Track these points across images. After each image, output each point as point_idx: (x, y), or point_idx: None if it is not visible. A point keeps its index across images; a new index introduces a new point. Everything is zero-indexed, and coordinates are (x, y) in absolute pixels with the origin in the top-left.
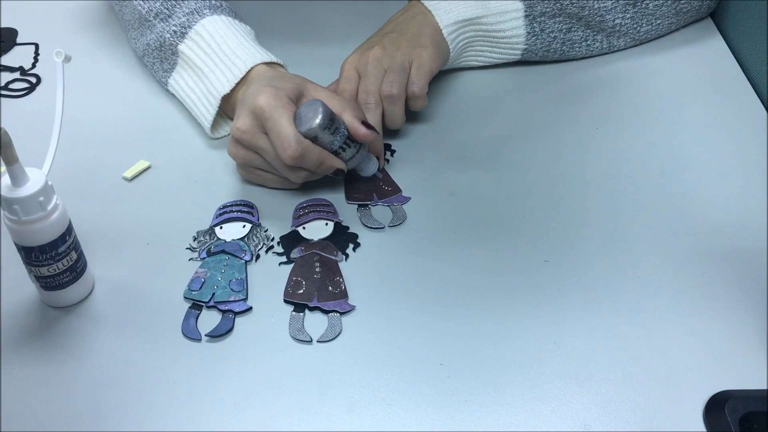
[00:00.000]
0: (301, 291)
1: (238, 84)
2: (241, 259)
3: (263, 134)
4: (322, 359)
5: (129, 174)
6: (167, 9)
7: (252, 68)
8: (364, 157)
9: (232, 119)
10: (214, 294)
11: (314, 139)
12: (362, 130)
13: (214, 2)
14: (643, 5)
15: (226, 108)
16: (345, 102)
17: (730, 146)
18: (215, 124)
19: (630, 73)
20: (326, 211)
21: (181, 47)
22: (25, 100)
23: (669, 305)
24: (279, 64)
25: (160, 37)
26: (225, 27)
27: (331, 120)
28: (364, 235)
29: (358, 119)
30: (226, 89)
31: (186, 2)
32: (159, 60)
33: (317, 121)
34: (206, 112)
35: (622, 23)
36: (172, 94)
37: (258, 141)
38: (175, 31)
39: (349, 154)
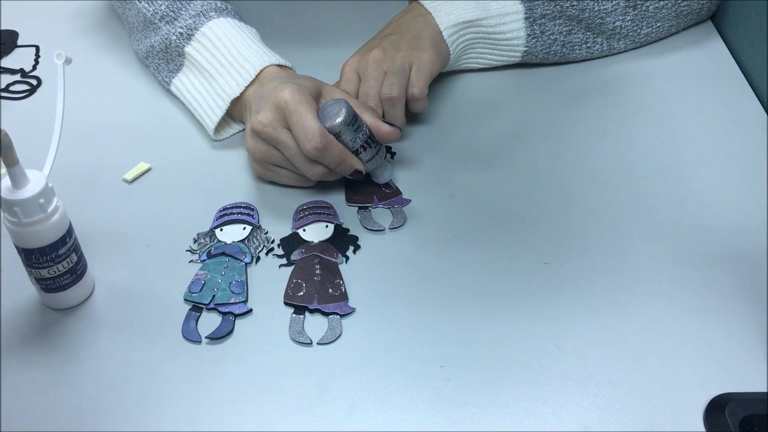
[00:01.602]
0: (302, 293)
1: (248, 86)
2: (241, 261)
3: (285, 128)
4: (322, 361)
5: (129, 176)
6: (173, 11)
7: (262, 70)
8: (381, 162)
9: (235, 121)
10: (214, 296)
11: (337, 136)
12: (385, 128)
13: (219, 5)
14: (644, 8)
15: (233, 110)
16: (363, 103)
17: (730, 148)
18: (218, 126)
19: (630, 76)
20: (326, 213)
21: (188, 49)
22: (25, 102)
23: (669, 307)
24: (288, 67)
25: (166, 39)
26: (232, 29)
27: (355, 118)
28: (365, 238)
29: (378, 119)
30: (236, 92)
31: (191, 5)
32: (165, 61)
33: (341, 117)
34: (212, 114)
35: (623, 26)
36: (173, 96)
37: (279, 135)
38: (181, 33)
39: (368, 155)
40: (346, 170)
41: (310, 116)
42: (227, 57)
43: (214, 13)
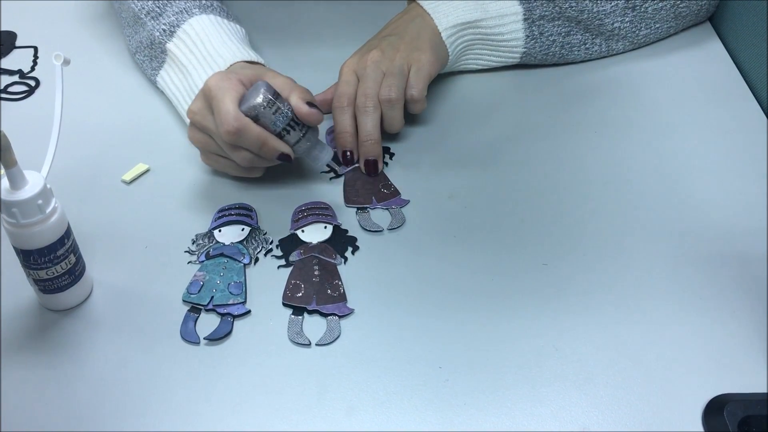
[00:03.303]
0: (300, 294)
1: None
2: (239, 262)
3: (211, 115)
4: (321, 362)
5: (128, 177)
6: (159, 8)
7: (232, 65)
8: (315, 144)
9: None
10: (212, 297)
11: (255, 119)
12: (304, 108)
13: (204, 2)
14: (642, 9)
15: None
16: (294, 85)
17: (729, 150)
18: None
19: (629, 77)
20: (325, 214)
21: (169, 45)
22: (24, 103)
23: (668, 308)
24: (260, 64)
25: (151, 35)
26: (211, 26)
27: (274, 99)
28: (363, 238)
29: (303, 100)
30: None
31: (177, 2)
32: (149, 58)
33: (258, 99)
34: (187, 108)
35: (621, 27)
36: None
37: (206, 122)
38: (164, 30)
39: (294, 137)
40: (270, 153)
41: (227, 99)
42: (203, 53)
43: (197, 10)
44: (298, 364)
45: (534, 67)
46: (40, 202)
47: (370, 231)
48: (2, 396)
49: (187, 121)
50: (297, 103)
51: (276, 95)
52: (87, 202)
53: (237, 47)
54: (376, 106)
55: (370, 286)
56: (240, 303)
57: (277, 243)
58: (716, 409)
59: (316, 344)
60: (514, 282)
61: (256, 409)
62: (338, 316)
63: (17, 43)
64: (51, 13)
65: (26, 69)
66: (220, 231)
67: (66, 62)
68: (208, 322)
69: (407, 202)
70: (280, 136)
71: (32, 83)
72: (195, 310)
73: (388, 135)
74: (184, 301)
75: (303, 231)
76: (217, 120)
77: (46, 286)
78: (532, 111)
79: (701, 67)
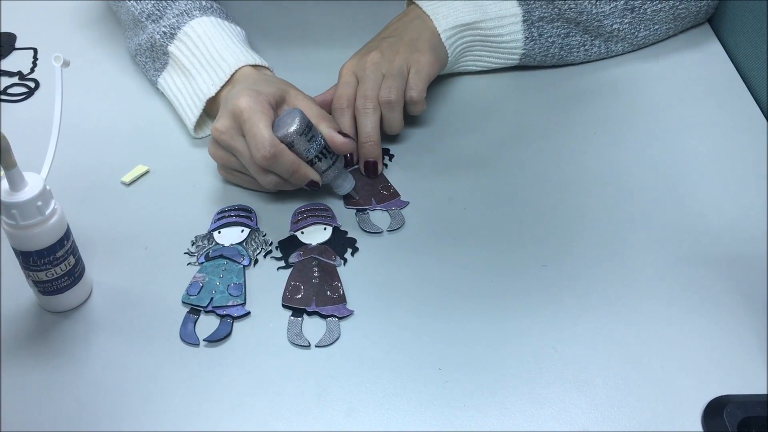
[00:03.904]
0: (300, 296)
1: (223, 86)
2: (239, 263)
3: (240, 136)
4: (321, 364)
5: (127, 178)
6: (158, 10)
7: (237, 70)
8: (340, 173)
9: (213, 119)
10: (212, 299)
11: (290, 146)
12: (339, 139)
13: (204, 3)
14: (641, 10)
15: (212, 109)
16: (322, 112)
17: (728, 151)
18: (199, 124)
19: (628, 78)
20: (325, 215)
21: (171, 48)
22: (23, 105)
23: (667, 309)
24: (265, 67)
25: (151, 38)
26: (213, 28)
27: (308, 128)
28: (363, 240)
29: (334, 129)
30: (212, 92)
31: (176, 3)
32: (151, 60)
33: (294, 126)
34: (190, 113)
35: (620, 28)
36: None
37: (235, 142)
38: (164, 32)
39: (324, 165)
40: (301, 180)
41: (262, 125)
42: (206, 56)
43: (197, 12)
44: (298, 365)
45: (533, 69)
46: (39, 203)
47: (369, 232)
48: (2, 397)
49: (190, 125)
50: (329, 132)
51: (309, 123)
52: (86, 203)
53: (240, 50)
54: (375, 108)
55: (369, 287)
56: (239, 304)
57: (277, 244)
58: (716, 411)
59: (316, 346)
60: (513, 283)
61: (256, 411)
62: (338, 317)
63: (17, 45)
64: (51, 15)
65: (26, 70)
66: (219, 232)
67: (66, 64)
68: (207, 324)
69: (407, 203)
70: (311, 163)
71: (32, 85)
72: (194, 311)
73: (387, 136)
74: (183, 302)
75: (302, 232)
76: (251, 144)
77: (46, 288)
78: (532, 112)
79: (700, 68)
